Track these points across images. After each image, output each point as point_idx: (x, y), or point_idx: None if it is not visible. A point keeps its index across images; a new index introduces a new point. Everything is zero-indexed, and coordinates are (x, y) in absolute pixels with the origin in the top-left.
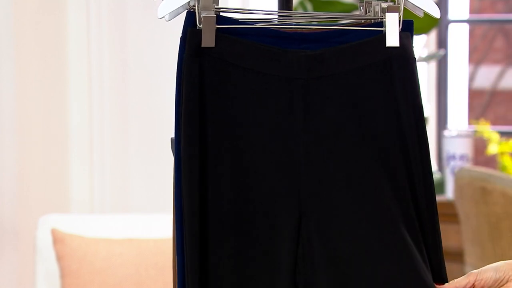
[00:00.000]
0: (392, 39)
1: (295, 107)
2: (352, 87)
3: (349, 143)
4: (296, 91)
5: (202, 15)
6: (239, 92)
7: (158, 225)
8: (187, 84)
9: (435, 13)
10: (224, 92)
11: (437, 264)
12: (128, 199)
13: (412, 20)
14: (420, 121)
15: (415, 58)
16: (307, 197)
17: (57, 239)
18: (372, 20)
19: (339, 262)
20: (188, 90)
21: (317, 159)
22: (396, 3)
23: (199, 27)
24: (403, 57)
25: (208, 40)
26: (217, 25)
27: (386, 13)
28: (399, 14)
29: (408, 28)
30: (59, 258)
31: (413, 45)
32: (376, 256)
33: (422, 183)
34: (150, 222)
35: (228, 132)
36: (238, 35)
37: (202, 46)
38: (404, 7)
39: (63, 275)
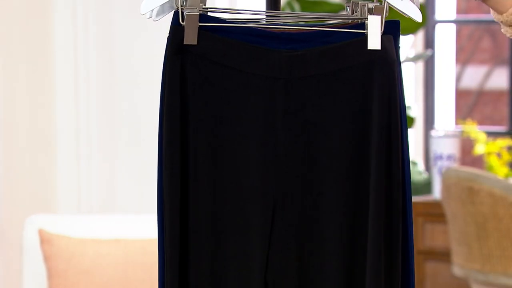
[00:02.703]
0: (374, 42)
1: (275, 106)
2: (332, 88)
3: (326, 145)
4: (277, 90)
5: (185, 12)
6: (221, 90)
7: (145, 225)
8: (168, 82)
9: (417, 17)
10: (206, 90)
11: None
12: (115, 199)
13: (398, 20)
14: (394, 124)
15: (397, 61)
16: (281, 197)
17: (44, 239)
18: (359, 20)
19: (305, 262)
20: (170, 88)
21: (294, 159)
22: (383, 4)
23: (182, 24)
24: (384, 60)
25: (190, 38)
26: (200, 23)
27: (368, 16)
28: (381, 17)
29: (395, 28)
30: (46, 258)
31: (399, 45)
32: (341, 259)
33: (389, 186)
34: (137, 223)
35: (208, 130)
36: (224, 34)
37: (184, 43)
38: (391, 8)
39: (50, 276)
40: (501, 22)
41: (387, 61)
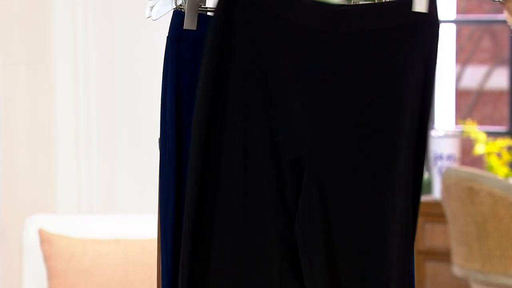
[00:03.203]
0: (420, 5)
1: (318, 60)
2: (375, 46)
3: (362, 104)
4: (320, 44)
5: None
6: (266, 41)
7: (145, 225)
8: (218, 28)
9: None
10: (254, 42)
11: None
12: (115, 199)
13: None
14: (430, 87)
15: (440, 22)
16: (313, 162)
17: (44, 239)
18: None
19: (334, 247)
20: (214, 42)
21: (331, 119)
22: None
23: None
24: (428, 23)
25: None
26: None
27: None
28: None
29: (434, 4)
30: (46, 258)
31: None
32: (365, 239)
33: (419, 158)
34: (137, 223)
35: (258, 84)
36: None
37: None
38: None
39: (50, 276)
40: None
41: (431, 24)
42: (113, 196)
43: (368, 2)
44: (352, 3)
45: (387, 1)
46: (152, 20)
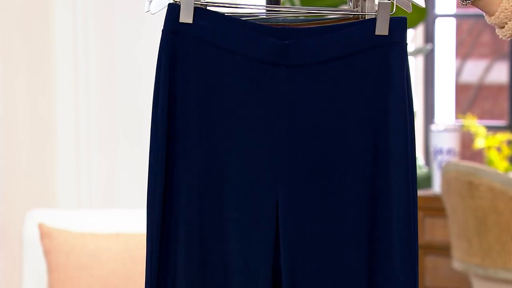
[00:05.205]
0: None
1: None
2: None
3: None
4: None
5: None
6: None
7: (145, 219)
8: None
9: (420, 2)
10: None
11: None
12: (115, 193)
13: (405, 17)
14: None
15: (406, 44)
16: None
17: (44, 233)
18: (360, 16)
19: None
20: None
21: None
22: None
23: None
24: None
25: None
26: (196, 18)
27: (379, 1)
28: (391, 3)
29: (401, 25)
30: (46, 252)
31: (406, 42)
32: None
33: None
34: (137, 217)
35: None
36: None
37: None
38: (392, 2)
39: (50, 270)
40: (494, 24)
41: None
42: (113, 190)
43: (323, 23)
44: (305, 26)
45: (348, 29)
46: (151, 14)
